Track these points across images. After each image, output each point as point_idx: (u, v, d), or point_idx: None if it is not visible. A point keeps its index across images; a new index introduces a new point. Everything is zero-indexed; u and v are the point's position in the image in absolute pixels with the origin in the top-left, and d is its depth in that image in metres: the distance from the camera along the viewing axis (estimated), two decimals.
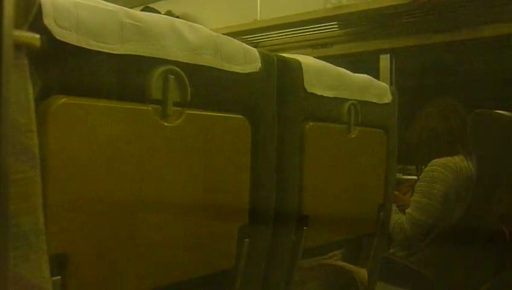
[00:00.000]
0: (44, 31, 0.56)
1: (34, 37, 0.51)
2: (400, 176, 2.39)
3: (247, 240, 0.87)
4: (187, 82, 0.73)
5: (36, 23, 0.54)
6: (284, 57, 0.95)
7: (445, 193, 1.89)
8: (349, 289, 1.19)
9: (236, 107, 0.84)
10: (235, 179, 0.85)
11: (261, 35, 2.88)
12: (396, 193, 2.03)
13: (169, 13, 3.09)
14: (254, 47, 0.88)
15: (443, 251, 1.90)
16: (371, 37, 2.54)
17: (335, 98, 1.04)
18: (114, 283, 0.68)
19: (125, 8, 0.67)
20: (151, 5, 3.28)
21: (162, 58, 0.70)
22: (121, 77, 0.66)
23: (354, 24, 2.55)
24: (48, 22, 0.57)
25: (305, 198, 0.99)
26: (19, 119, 0.50)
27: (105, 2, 0.65)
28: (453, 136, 1.99)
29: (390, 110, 1.23)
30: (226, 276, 0.87)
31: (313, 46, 2.79)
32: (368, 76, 1.18)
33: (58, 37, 0.58)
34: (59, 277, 0.60)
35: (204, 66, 0.76)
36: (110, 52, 0.63)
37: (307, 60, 0.99)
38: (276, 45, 2.88)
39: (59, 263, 0.60)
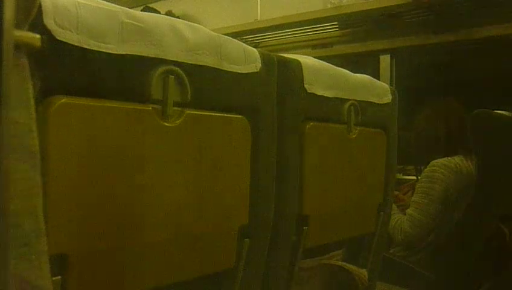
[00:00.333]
0: (44, 31, 0.56)
1: (34, 37, 0.51)
2: (400, 176, 2.39)
3: (247, 239, 0.87)
4: (187, 82, 0.73)
5: (36, 23, 0.54)
6: (284, 57, 0.95)
7: (445, 193, 1.89)
8: (349, 289, 1.19)
9: (236, 107, 0.84)
10: (235, 179, 0.85)
11: (262, 36, 2.89)
12: (396, 193, 2.04)
13: (169, 13, 3.09)
14: (254, 47, 0.88)
15: (443, 251, 1.90)
16: (371, 37, 2.54)
17: (335, 98, 1.04)
18: (114, 283, 0.68)
19: (125, 8, 0.67)
20: (151, 5, 3.28)
21: (162, 59, 0.70)
22: (121, 77, 0.66)
23: (354, 24, 2.55)
24: (48, 22, 0.57)
25: (305, 198, 0.99)
26: (19, 119, 0.50)
27: (106, 2, 0.65)
28: (453, 136, 1.99)
29: (390, 110, 1.23)
30: (226, 276, 0.87)
31: (313, 47, 2.79)
32: (368, 76, 1.18)
33: (58, 37, 0.58)
34: (59, 277, 0.60)
35: (204, 66, 0.76)
36: (110, 52, 0.63)
37: (307, 60, 0.99)
38: (277, 45, 2.88)
39: (59, 263, 0.60)
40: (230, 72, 0.81)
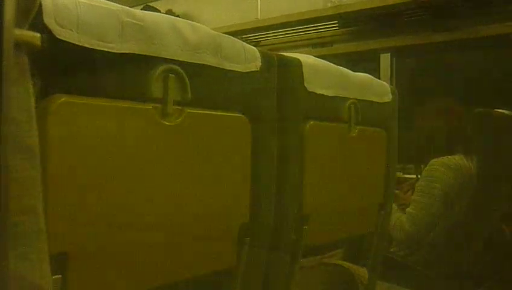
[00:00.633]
0: (44, 30, 0.56)
1: (35, 36, 0.51)
2: (400, 175, 2.39)
3: (248, 238, 0.87)
4: (187, 81, 0.73)
5: (37, 22, 0.54)
6: (284, 56, 0.95)
7: (445, 192, 1.89)
8: (349, 288, 1.20)
9: (236, 106, 0.84)
10: (236, 178, 0.85)
11: (262, 34, 2.89)
12: (397, 191, 2.04)
13: (169, 12, 3.09)
14: (255, 46, 0.88)
15: (443, 250, 1.90)
16: (371, 36, 2.54)
17: (335, 97, 1.04)
18: (114, 282, 0.68)
19: (125, 7, 0.67)
20: (151, 4, 3.28)
21: (163, 57, 0.70)
22: (122, 75, 0.66)
23: (355, 23, 2.55)
24: (49, 20, 0.56)
25: (305, 197, 0.99)
26: (19, 118, 0.50)
27: (106, 1, 0.65)
28: (453, 135, 2.00)
29: (390, 109, 1.23)
30: (226, 275, 0.87)
31: (313, 45, 2.79)
32: (368, 75, 1.18)
33: (58, 36, 0.58)
34: (60, 276, 0.60)
35: (204, 65, 0.76)
36: (111, 51, 0.63)
37: (307, 59, 0.99)
38: (277, 44, 2.88)
39: (60, 262, 0.60)
40: (231, 71, 0.81)
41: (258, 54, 0.86)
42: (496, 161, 1.84)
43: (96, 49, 0.62)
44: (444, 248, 1.90)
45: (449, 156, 1.94)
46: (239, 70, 0.82)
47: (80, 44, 0.60)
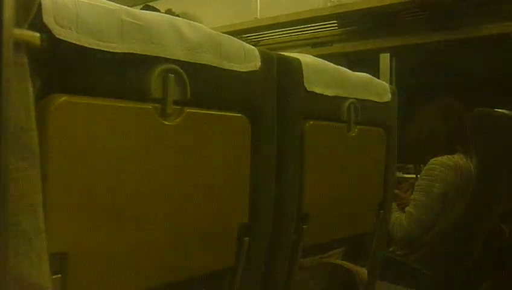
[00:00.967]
0: (44, 30, 0.56)
1: (34, 36, 0.51)
2: (399, 174, 2.40)
3: (247, 238, 0.87)
4: (187, 81, 0.73)
5: (36, 22, 0.54)
6: (283, 55, 0.95)
7: (445, 191, 1.89)
8: (349, 287, 1.20)
9: (236, 106, 0.84)
10: (235, 177, 0.85)
11: (261, 34, 2.89)
12: (397, 191, 2.04)
13: (169, 12, 3.09)
14: (254, 46, 0.88)
15: (443, 250, 1.90)
16: (371, 35, 2.54)
17: (335, 96, 1.04)
18: (114, 282, 0.68)
19: (125, 6, 0.67)
20: (151, 4, 3.28)
21: (162, 57, 0.70)
22: (121, 75, 0.66)
23: (354, 22, 2.55)
24: (48, 20, 0.56)
25: (305, 196, 0.99)
26: (18, 117, 0.50)
27: (106, 1, 0.65)
28: (452, 135, 2.00)
29: (390, 108, 1.23)
30: (226, 274, 0.87)
31: (312, 45, 2.80)
32: (368, 74, 1.18)
33: (58, 36, 0.58)
34: (59, 275, 0.60)
35: (204, 64, 0.76)
36: (110, 50, 0.63)
37: (306, 59, 0.99)
38: (276, 43, 2.88)
39: (59, 262, 0.60)
40: (230, 70, 0.81)
41: (257, 54, 0.86)
42: (495, 161, 1.84)
43: (96, 49, 0.62)
44: (444, 247, 1.90)
45: (449, 156, 1.94)
46: (238, 69, 0.82)
47: (80, 43, 0.60)
